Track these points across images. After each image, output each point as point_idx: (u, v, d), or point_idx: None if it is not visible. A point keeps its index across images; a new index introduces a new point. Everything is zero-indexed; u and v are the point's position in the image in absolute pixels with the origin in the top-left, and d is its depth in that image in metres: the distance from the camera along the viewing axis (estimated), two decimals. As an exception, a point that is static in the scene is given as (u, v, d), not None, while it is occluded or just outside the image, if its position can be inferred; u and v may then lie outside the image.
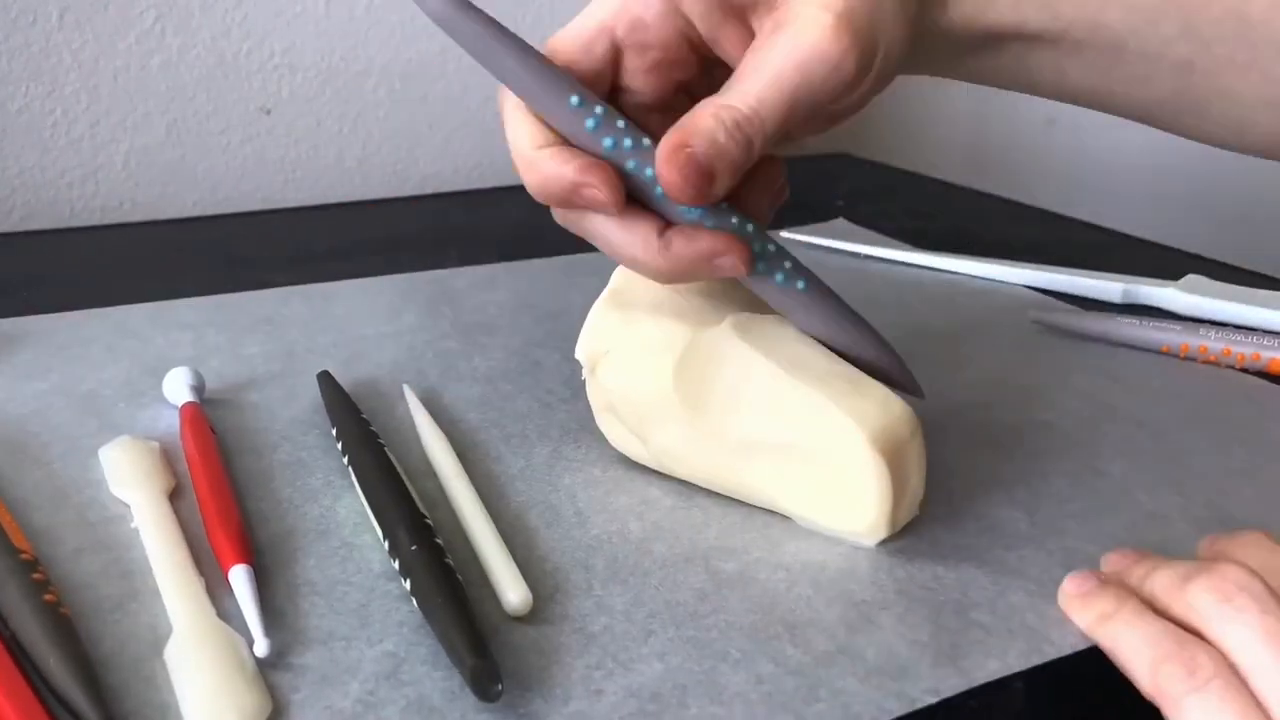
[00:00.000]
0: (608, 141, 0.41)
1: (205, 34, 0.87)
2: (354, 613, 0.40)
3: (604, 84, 0.44)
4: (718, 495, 0.47)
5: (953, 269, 0.77)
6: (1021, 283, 0.75)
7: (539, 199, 0.43)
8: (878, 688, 0.37)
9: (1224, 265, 0.79)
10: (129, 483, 0.46)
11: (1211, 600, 0.33)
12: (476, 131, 1.02)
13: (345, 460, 0.47)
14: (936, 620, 0.40)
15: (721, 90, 0.40)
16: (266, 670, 0.37)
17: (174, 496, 0.46)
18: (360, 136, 0.96)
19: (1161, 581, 0.36)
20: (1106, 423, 0.56)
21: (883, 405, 0.44)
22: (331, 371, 0.55)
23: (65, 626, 0.36)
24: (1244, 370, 0.62)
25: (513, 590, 0.40)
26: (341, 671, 0.37)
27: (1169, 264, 0.77)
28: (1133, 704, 0.36)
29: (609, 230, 0.42)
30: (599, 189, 0.40)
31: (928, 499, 0.46)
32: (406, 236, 0.84)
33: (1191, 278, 0.72)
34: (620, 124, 0.41)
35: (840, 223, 0.87)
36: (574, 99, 0.41)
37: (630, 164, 0.41)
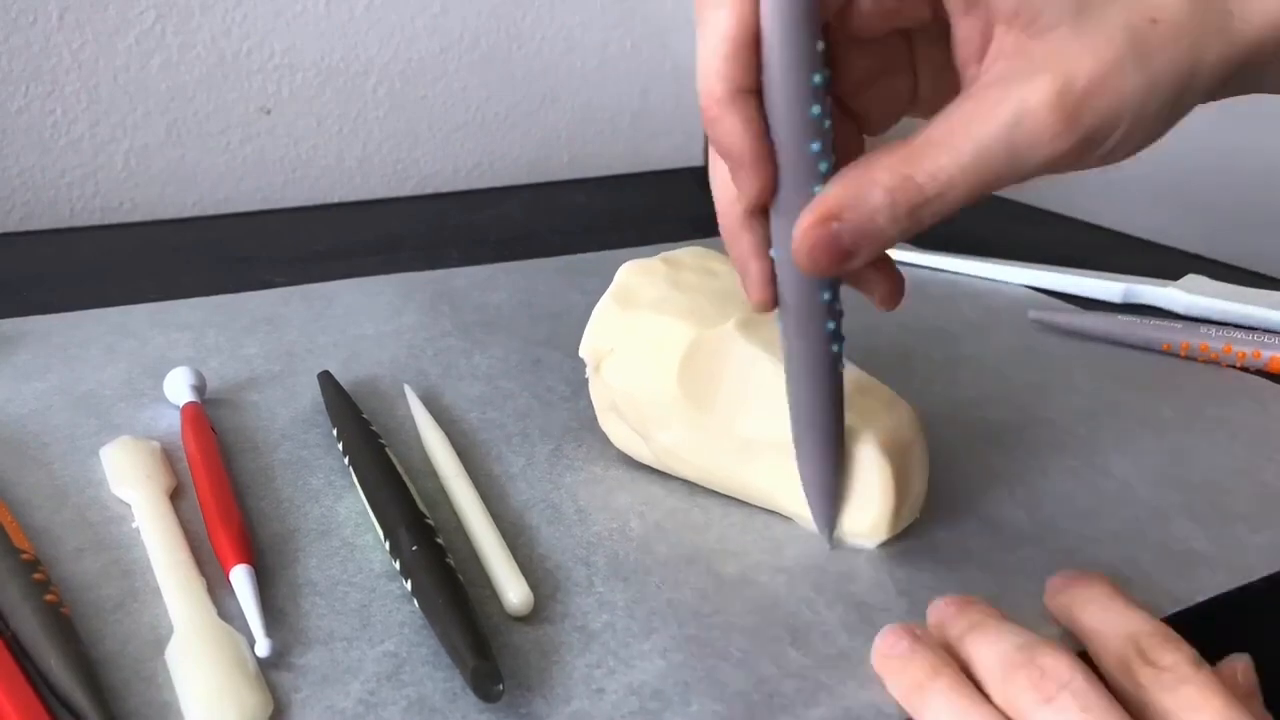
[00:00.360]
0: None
1: (205, 34, 0.87)
2: (355, 613, 0.40)
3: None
4: (720, 495, 0.47)
5: (953, 269, 0.77)
6: (1021, 283, 0.75)
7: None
8: (878, 692, 0.37)
9: (1224, 265, 0.79)
10: (130, 482, 0.46)
11: (1032, 700, 0.32)
12: (476, 131, 1.02)
13: (346, 460, 0.47)
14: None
15: (908, 145, 0.33)
16: (268, 670, 0.37)
17: (175, 496, 0.46)
18: (360, 136, 0.96)
19: (984, 660, 0.34)
20: (1108, 421, 0.56)
21: (888, 406, 0.44)
22: (332, 371, 0.55)
23: (66, 626, 0.36)
24: (1244, 369, 0.62)
25: (513, 590, 0.40)
26: (343, 672, 0.37)
27: (1169, 264, 0.77)
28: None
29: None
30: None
31: (929, 499, 0.46)
32: (406, 236, 0.84)
33: (1191, 278, 0.72)
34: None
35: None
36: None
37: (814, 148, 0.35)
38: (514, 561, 0.41)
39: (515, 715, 0.35)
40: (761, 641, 0.39)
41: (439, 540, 0.41)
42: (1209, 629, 0.41)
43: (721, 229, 0.39)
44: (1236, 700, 0.31)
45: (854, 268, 0.35)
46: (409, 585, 0.39)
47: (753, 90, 0.34)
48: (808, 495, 0.43)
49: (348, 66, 0.94)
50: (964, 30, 0.34)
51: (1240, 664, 0.36)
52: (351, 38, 0.93)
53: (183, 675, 0.36)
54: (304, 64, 0.92)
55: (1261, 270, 0.78)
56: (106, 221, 0.87)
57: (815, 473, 0.43)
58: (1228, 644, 0.37)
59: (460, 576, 0.39)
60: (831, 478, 0.43)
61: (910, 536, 0.45)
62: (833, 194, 0.34)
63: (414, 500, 0.43)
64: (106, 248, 0.80)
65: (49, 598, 0.37)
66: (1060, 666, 0.32)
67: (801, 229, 0.34)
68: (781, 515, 0.46)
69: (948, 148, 0.33)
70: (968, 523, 0.46)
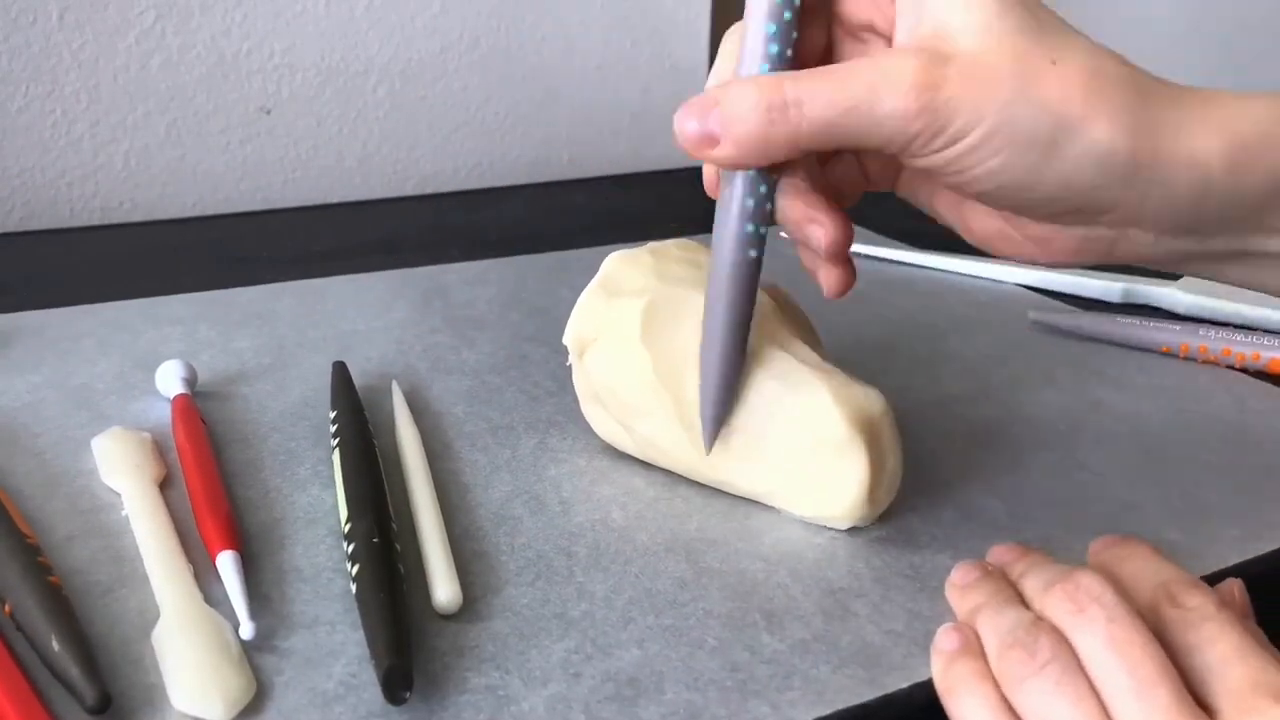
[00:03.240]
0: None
1: (205, 34, 0.88)
2: (339, 598, 0.40)
3: None
4: (701, 486, 0.48)
5: (951, 269, 0.77)
6: (1020, 282, 0.75)
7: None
8: (850, 675, 0.37)
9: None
10: (120, 472, 0.47)
11: (1065, 609, 0.34)
12: (476, 131, 1.03)
13: (335, 446, 0.48)
14: (911, 608, 0.41)
15: (787, 73, 0.38)
16: (252, 653, 0.37)
17: (164, 485, 0.47)
18: (360, 136, 0.97)
19: (1031, 584, 0.37)
20: (1088, 418, 0.56)
21: (854, 388, 0.45)
22: (323, 365, 0.56)
23: (66, 608, 0.37)
24: (1243, 370, 0.62)
25: (442, 589, 0.40)
26: (325, 655, 0.37)
27: (1168, 264, 0.77)
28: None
29: None
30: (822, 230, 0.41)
31: (908, 490, 0.47)
32: (406, 236, 0.85)
33: (1191, 278, 0.72)
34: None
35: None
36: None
37: None
38: (452, 561, 0.42)
39: (494, 697, 0.36)
40: (737, 628, 0.40)
41: (395, 542, 0.41)
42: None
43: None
44: (1251, 636, 0.33)
45: (718, 158, 0.39)
46: (352, 573, 0.40)
47: None
48: (701, 399, 0.45)
49: (348, 66, 0.95)
50: (900, 38, 0.38)
51: (1236, 585, 0.38)
52: (351, 38, 0.94)
53: (168, 658, 0.36)
54: (304, 64, 0.92)
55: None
56: (106, 221, 0.88)
57: (711, 374, 0.44)
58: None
59: (404, 577, 0.40)
60: (725, 384, 0.44)
61: (887, 525, 0.46)
62: (718, 85, 0.39)
63: (383, 494, 0.44)
64: (106, 248, 0.81)
65: (52, 580, 0.38)
66: (1095, 584, 0.34)
67: (682, 108, 0.39)
68: (762, 505, 0.47)
69: (821, 73, 0.37)
70: (945, 513, 0.47)
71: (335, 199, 0.97)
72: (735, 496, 0.47)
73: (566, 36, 1.04)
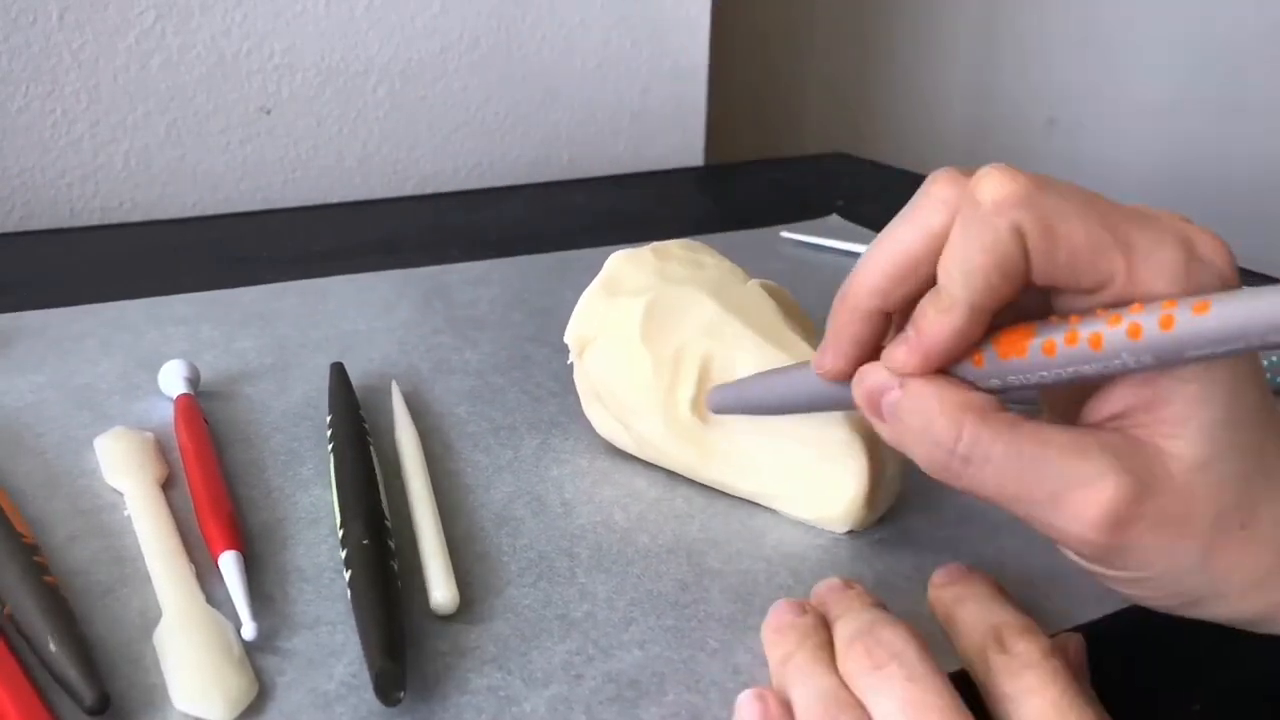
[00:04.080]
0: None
1: (205, 34, 0.88)
2: (341, 598, 0.40)
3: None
4: (702, 487, 0.48)
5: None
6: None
7: None
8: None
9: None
10: (122, 471, 0.46)
11: (864, 667, 0.33)
12: (476, 131, 1.03)
13: (330, 450, 0.48)
14: (914, 609, 0.41)
15: (998, 411, 0.34)
16: (254, 653, 0.37)
17: (167, 485, 0.47)
18: (360, 136, 0.97)
19: (840, 632, 0.35)
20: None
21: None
22: (324, 365, 0.56)
23: (64, 608, 0.37)
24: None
25: (439, 589, 0.40)
26: (327, 655, 0.37)
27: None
28: (1106, 692, 0.36)
29: None
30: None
31: (910, 491, 0.47)
32: (406, 236, 0.85)
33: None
34: None
35: (834, 220, 0.87)
36: None
37: None
38: (449, 562, 0.41)
39: (495, 698, 0.36)
40: (738, 630, 0.40)
41: (389, 540, 0.41)
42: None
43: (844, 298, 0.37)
44: (1074, 690, 0.32)
45: (881, 433, 0.36)
46: (347, 577, 0.40)
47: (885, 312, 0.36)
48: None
49: (348, 66, 0.95)
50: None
51: (1074, 640, 0.37)
52: (351, 38, 0.94)
53: (169, 658, 0.36)
54: (304, 64, 0.92)
55: (1262, 270, 0.79)
56: (106, 221, 0.88)
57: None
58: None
59: (398, 579, 0.40)
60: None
61: (889, 526, 0.46)
62: (914, 386, 0.34)
63: (378, 497, 0.44)
64: (106, 248, 0.81)
65: (49, 580, 0.38)
66: (896, 639, 0.33)
67: (866, 382, 0.35)
68: (763, 506, 0.47)
69: (1011, 438, 0.33)
70: (947, 513, 0.47)
71: (335, 199, 0.97)
72: (737, 498, 0.47)
73: (566, 36, 1.04)
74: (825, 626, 0.37)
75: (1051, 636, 0.36)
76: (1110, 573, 0.34)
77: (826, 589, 0.39)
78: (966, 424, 0.33)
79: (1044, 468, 0.32)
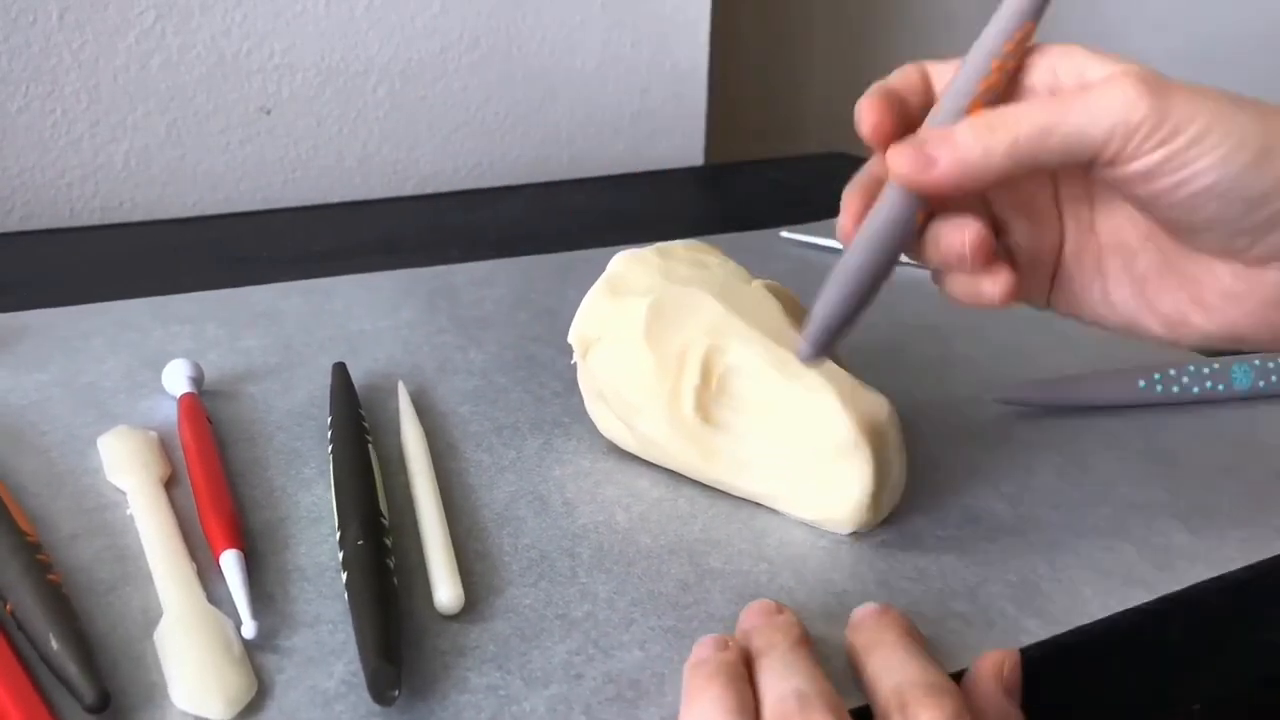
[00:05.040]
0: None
1: (205, 34, 0.88)
2: (341, 597, 0.40)
3: None
4: (705, 487, 0.48)
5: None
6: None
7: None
8: (852, 678, 0.37)
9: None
10: (125, 470, 0.46)
11: None
12: (476, 131, 1.02)
13: (330, 450, 0.48)
14: (916, 610, 0.41)
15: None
16: (255, 652, 0.37)
17: (170, 484, 0.47)
18: (360, 136, 0.97)
19: (765, 690, 0.34)
20: (1096, 420, 0.56)
21: (864, 395, 0.45)
22: (328, 364, 0.56)
23: (65, 606, 0.37)
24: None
25: (444, 589, 0.40)
26: (327, 654, 0.37)
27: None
28: (1107, 692, 0.36)
29: None
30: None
31: (912, 491, 0.47)
32: (406, 236, 0.85)
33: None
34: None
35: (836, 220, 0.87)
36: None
37: None
38: (454, 561, 0.41)
39: (495, 697, 0.36)
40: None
41: (386, 539, 0.41)
42: (1196, 618, 0.42)
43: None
44: None
45: (939, 176, 0.38)
46: (344, 578, 0.40)
47: None
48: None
49: (348, 66, 0.94)
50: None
51: (1008, 658, 0.36)
52: (351, 38, 0.94)
53: (170, 656, 0.36)
54: (304, 64, 0.92)
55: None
56: (106, 221, 0.88)
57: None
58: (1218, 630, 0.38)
59: (395, 579, 0.40)
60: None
61: (892, 528, 0.46)
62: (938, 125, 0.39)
63: (375, 497, 0.44)
64: (106, 247, 0.81)
65: (51, 578, 0.38)
66: (818, 711, 0.32)
67: (892, 146, 0.39)
68: (766, 507, 0.47)
69: (1036, 99, 0.38)
70: (950, 514, 0.47)
71: (335, 199, 0.97)
72: (739, 498, 0.47)
73: (566, 37, 1.04)
74: (741, 662, 0.36)
75: (1038, 649, 0.35)
76: (1168, 144, 0.36)
77: (753, 613, 0.39)
78: (997, 108, 0.38)
79: (1073, 97, 0.37)
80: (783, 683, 0.34)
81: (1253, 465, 0.52)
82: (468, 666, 0.37)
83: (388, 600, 0.38)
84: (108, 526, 0.44)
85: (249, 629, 0.37)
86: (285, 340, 0.62)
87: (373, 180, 0.99)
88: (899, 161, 0.38)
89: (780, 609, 0.39)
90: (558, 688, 0.36)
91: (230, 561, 0.40)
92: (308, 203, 0.96)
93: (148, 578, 0.40)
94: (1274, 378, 0.57)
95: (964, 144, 0.37)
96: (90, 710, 0.34)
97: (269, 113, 0.92)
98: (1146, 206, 0.38)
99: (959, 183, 0.38)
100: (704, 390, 0.46)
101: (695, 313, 0.47)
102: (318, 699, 0.35)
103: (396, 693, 0.35)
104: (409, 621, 0.39)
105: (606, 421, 0.50)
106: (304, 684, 0.36)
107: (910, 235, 0.40)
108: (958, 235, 0.39)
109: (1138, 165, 0.36)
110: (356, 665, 0.37)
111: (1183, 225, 0.38)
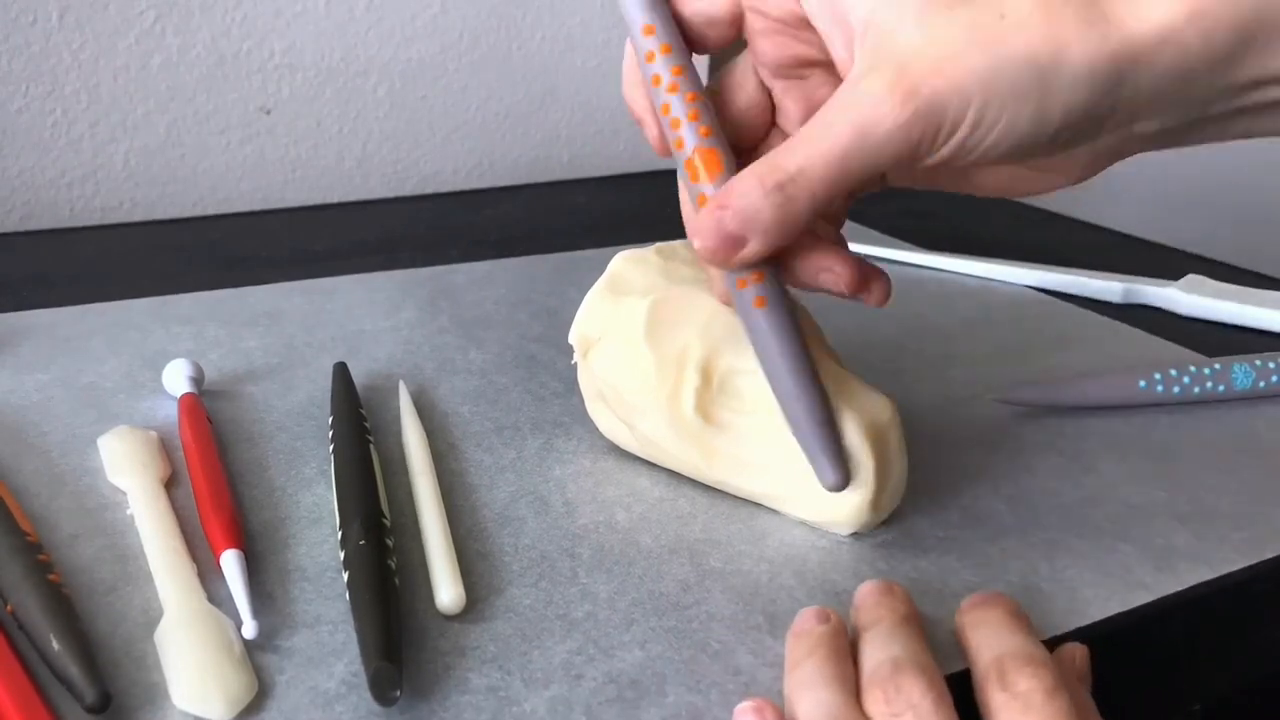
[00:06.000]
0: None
1: (205, 34, 0.88)
2: (341, 598, 0.40)
3: (726, 34, 0.43)
4: (705, 488, 0.48)
5: (953, 269, 0.77)
6: (1022, 283, 0.75)
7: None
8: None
9: (1224, 265, 0.79)
10: (126, 470, 0.46)
11: (881, 713, 0.33)
12: (476, 131, 1.02)
13: (331, 450, 0.48)
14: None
15: (775, 149, 0.38)
16: (255, 652, 0.37)
17: (170, 484, 0.47)
18: (360, 136, 0.97)
19: (865, 661, 0.36)
20: (1097, 420, 0.56)
21: (865, 395, 0.45)
22: (329, 364, 0.56)
23: (67, 607, 0.37)
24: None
25: (446, 590, 0.40)
26: (327, 654, 0.37)
27: (1169, 264, 0.77)
28: (1106, 691, 0.36)
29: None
30: (835, 277, 0.42)
31: (912, 491, 0.47)
32: (406, 236, 0.85)
33: (1191, 278, 0.72)
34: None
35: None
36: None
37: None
38: (455, 561, 0.41)
39: (495, 698, 0.36)
40: (740, 631, 0.39)
41: (388, 539, 0.41)
42: (1195, 619, 0.42)
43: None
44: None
45: (754, 252, 0.39)
46: (346, 578, 0.40)
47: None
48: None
49: (348, 66, 0.94)
50: (840, 55, 0.38)
51: (1079, 651, 0.38)
52: (351, 38, 0.94)
53: (170, 656, 0.36)
54: (304, 64, 0.92)
55: (1261, 270, 0.79)
56: (106, 221, 0.88)
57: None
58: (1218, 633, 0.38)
59: (396, 578, 0.40)
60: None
61: (892, 527, 0.46)
62: (719, 191, 0.39)
63: (376, 497, 0.44)
64: (106, 248, 0.81)
65: (52, 578, 0.38)
66: (916, 688, 0.33)
67: (693, 223, 0.39)
68: (766, 507, 0.47)
69: (805, 136, 0.37)
70: (951, 515, 0.47)
71: (335, 199, 0.97)
72: (740, 498, 0.47)
73: (566, 36, 1.04)
74: (843, 634, 0.37)
75: (1056, 645, 0.36)
76: (953, 138, 0.35)
77: (865, 592, 0.40)
78: (776, 156, 0.37)
79: (838, 120, 0.36)
80: (881, 651, 0.35)
81: (1253, 465, 0.52)
82: (468, 667, 0.37)
83: (389, 600, 0.38)
84: (108, 526, 0.44)
85: (249, 629, 0.37)
86: (286, 340, 0.62)
87: (373, 180, 0.99)
88: (708, 250, 0.39)
89: (891, 588, 0.40)
90: (558, 688, 0.36)
91: (230, 561, 0.40)
92: (308, 203, 0.96)
93: (148, 578, 0.40)
94: (1274, 378, 0.57)
95: (763, 214, 0.38)
96: (91, 710, 0.34)
97: (269, 113, 0.92)
98: (957, 178, 0.40)
99: (774, 248, 0.39)
100: (704, 390, 0.46)
101: (696, 313, 0.47)
102: (318, 699, 0.35)
103: (397, 693, 0.35)
104: (410, 622, 0.39)
105: (607, 421, 0.50)
106: (304, 684, 0.36)
107: (793, 318, 0.41)
108: (828, 278, 0.41)
109: (934, 160, 0.36)
110: (357, 665, 0.37)
111: (998, 171, 0.40)
